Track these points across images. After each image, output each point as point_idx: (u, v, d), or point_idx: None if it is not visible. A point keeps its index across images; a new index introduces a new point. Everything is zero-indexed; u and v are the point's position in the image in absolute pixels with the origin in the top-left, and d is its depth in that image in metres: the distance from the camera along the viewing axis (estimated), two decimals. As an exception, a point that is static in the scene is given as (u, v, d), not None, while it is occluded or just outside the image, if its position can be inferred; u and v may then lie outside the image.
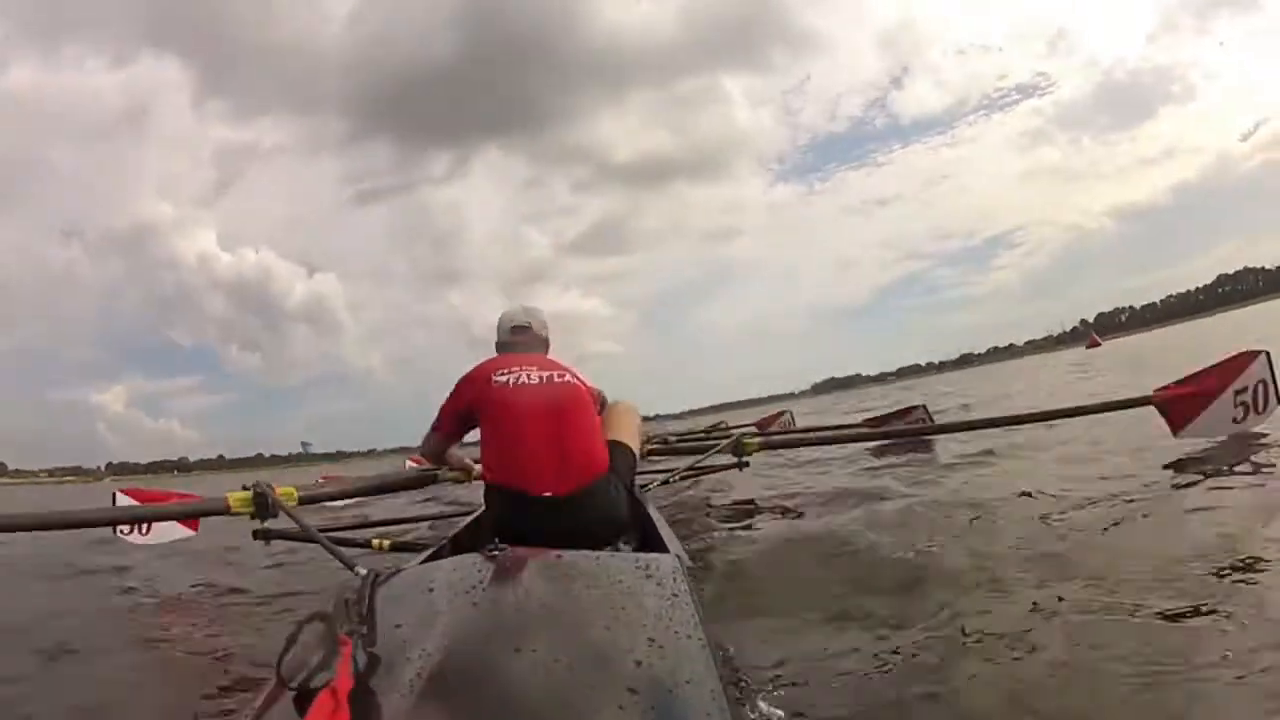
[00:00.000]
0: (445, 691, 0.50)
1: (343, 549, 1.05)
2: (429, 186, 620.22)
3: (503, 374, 1.68)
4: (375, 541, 2.09)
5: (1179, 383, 2.80)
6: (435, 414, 1.90)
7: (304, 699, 0.43)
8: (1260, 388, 2.63)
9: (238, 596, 2.50)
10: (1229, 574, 1.46)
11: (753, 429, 6.28)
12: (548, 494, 1.52)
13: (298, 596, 2.28)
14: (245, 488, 1.82)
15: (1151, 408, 2.81)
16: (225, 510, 1.88)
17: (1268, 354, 2.67)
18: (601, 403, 1.93)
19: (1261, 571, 1.45)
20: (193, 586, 2.81)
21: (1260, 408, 2.66)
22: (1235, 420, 2.67)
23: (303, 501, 2.00)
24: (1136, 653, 1.16)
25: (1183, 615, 1.29)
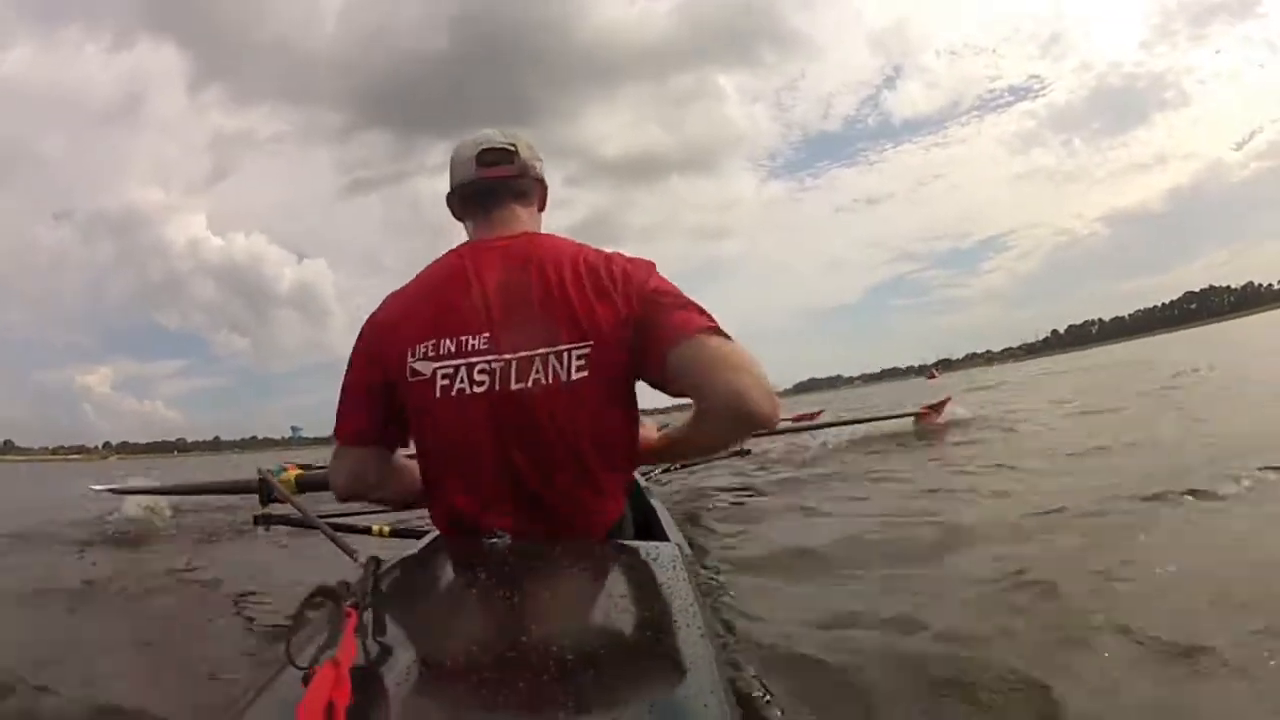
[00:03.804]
0: (445, 676, 0.52)
1: (342, 535, 0.99)
2: (422, 177, 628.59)
3: (425, 355, 0.84)
4: (375, 527, 1.94)
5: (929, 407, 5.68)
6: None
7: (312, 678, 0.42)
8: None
9: (235, 575, 2.38)
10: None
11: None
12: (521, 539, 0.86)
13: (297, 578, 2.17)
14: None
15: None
16: (254, 490, 2.06)
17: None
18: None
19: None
20: (193, 572, 2.64)
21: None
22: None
23: (302, 487, 2.07)
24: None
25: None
